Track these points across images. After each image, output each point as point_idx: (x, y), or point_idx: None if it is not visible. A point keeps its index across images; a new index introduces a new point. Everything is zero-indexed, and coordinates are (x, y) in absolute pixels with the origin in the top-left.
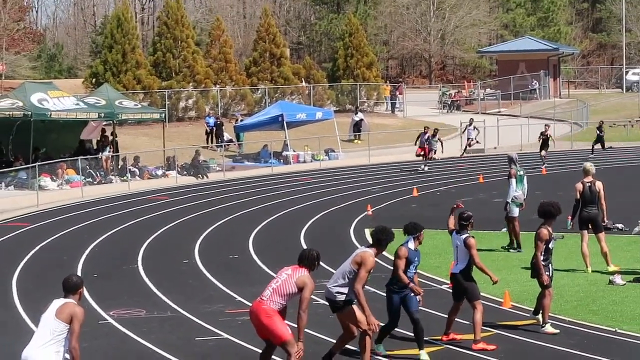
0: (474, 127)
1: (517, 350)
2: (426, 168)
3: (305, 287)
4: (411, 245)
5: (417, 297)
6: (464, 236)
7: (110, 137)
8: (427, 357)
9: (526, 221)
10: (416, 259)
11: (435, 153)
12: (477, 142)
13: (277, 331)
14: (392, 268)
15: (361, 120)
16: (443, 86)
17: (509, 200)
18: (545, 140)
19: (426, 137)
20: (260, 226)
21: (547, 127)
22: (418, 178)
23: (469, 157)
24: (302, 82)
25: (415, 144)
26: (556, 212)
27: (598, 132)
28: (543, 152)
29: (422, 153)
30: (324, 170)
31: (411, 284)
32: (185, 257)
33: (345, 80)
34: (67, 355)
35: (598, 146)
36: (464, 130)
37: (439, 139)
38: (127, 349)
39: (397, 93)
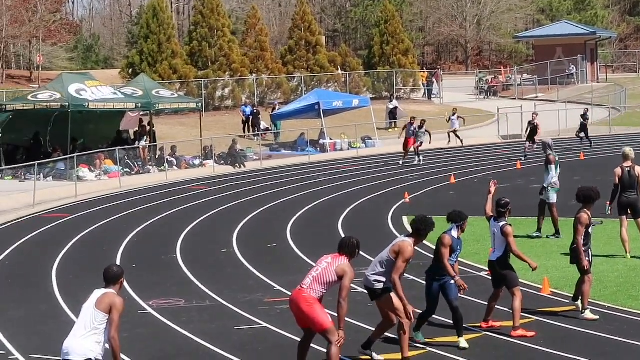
0: (457, 117)
1: (557, 336)
2: (402, 162)
3: (345, 275)
4: (454, 233)
5: (460, 289)
6: (501, 223)
7: (148, 127)
8: (466, 344)
9: (563, 207)
10: (458, 247)
11: (421, 145)
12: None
13: (318, 319)
14: (431, 256)
15: (396, 107)
16: (480, 72)
17: (546, 185)
18: (533, 130)
19: (412, 128)
20: (298, 215)
21: (535, 115)
22: (454, 165)
23: (507, 144)
24: (338, 69)
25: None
26: (596, 196)
27: (582, 119)
28: (528, 144)
29: (411, 145)
30: (361, 157)
31: (457, 278)
32: (223, 246)
33: (382, 67)
34: (108, 345)
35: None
36: (448, 120)
37: (426, 130)
38: (167, 338)
39: (434, 79)
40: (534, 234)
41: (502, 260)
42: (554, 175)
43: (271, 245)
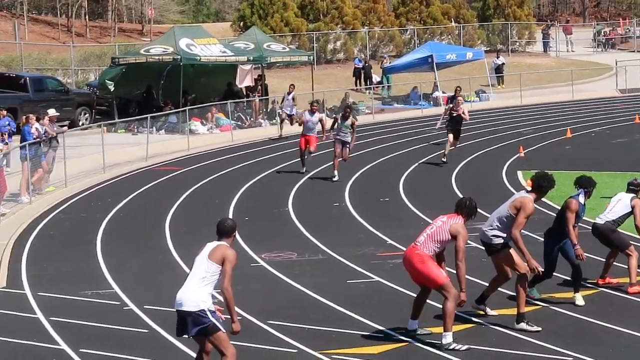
0: (293, 98)
1: None
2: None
3: (459, 235)
4: (581, 199)
5: (577, 258)
6: (631, 195)
7: (259, 81)
8: (582, 301)
9: None
10: (582, 213)
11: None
12: (289, 116)
13: (432, 275)
14: (549, 213)
15: (503, 64)
16: (597, 24)
17: None
18: (455, 119)
19: (290, 97)
20: (410, 169)
21: (458, 90)
22: (571, 119)
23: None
24: (451, 22)
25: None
26: None
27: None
28: (449, 145)
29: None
30: (474, 111)
31: (577, 247)
32: (335, 200)
33: (496, 19)
34: (221, 297)
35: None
36: (282, 100)
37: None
38: (280, 291)
39: (565, 33)
40: None
41: (609, 226)
42: None
43: (384, 200)
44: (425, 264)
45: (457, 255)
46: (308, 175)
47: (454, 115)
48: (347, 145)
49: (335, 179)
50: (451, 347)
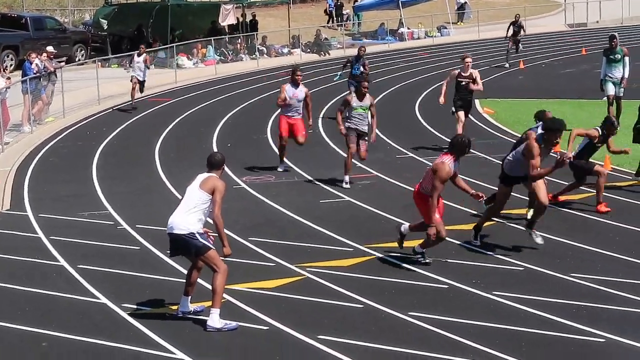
0: (144, 61)
1: (620, 209)
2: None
3: (437, 172)
4: (540, 131)
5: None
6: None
7: (240, 19)
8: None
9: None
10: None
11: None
12: (139, 82)
13: (426, 215)
14: (504, 137)
15: (465, 3)
16: None
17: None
18: (462, 90)
19: (141, 59)
20: (378, 98)
21: (362, 50)
22: (524, 52)
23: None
24: None
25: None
26: None
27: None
28: (460, 126)
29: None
30: (436, 45)
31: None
32: (310, 127)
33: None
34: (210, 220)
35: None
36: (130, 63)
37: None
38: (259, 210)
39: None
40: None
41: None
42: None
43: None
44: (424, 205)
45: (432, 192)
46: None
47: (462, 84)
48: (366, 138)
49: (346, 185)
50: (417, 257)
